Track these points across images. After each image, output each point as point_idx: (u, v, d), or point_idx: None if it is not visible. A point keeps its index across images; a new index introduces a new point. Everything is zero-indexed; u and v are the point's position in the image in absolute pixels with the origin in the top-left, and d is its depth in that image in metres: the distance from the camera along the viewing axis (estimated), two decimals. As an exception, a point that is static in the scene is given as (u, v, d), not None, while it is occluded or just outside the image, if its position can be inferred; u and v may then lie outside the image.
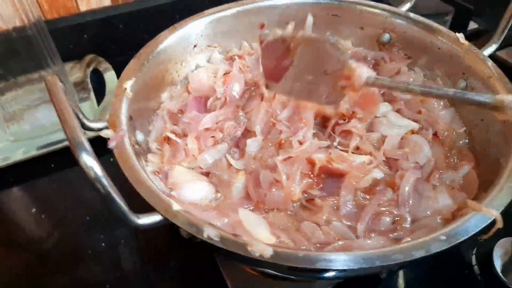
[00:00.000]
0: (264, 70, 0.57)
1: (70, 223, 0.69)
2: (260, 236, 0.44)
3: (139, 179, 0.42)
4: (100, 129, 0.47)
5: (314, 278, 0.51)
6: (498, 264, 0.61)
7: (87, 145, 0.34)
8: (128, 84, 0.53)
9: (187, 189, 0.51)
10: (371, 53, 0.69)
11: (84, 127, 0.47)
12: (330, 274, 0.38)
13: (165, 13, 1.00)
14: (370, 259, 0.36)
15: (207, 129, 0.58)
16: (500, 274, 0.60)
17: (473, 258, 0.63)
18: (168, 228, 0.63)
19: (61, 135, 0.82)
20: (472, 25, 1.09)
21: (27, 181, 0.76)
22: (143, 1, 0.98)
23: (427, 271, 0.62)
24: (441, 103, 0.61)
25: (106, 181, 0.34)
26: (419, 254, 0.35)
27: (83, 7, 0.94)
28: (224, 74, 0.65)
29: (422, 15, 0.88)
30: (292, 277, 0.50)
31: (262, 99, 0.61)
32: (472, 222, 0.39)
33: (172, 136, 0.56)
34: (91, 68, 0.95)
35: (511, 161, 0.44)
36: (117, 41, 1.00)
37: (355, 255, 0.36)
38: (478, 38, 1.08)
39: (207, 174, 0.55)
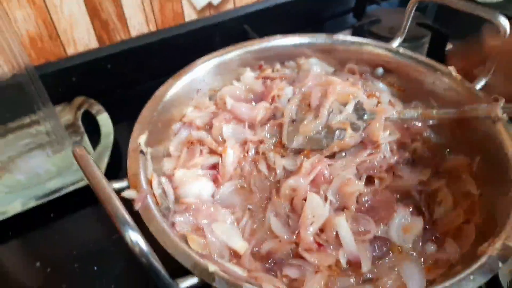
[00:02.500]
0: None
1: (78, 275, 0.67)
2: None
3: (171, 243, 0.42)
4: (120, 189, 0.47)
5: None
6: (504, 282, 0.63)
7: (131, 221, 0.34)
8: (142, 140, 0.53)
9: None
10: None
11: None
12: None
13: (152, 50, 1.00)
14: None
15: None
16: (507, 291, 0.62)
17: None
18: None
19: (57, 183, 0.80)
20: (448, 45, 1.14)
21: (26, 233, 0.74)
22: (129, 41, 0.99)
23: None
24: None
25: (151, 256, 0.34)
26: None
27: (70, 51, 0.94)
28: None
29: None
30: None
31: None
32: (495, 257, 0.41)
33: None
34: (82, 110, 0.93)
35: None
36: (106, 81, 1.00)
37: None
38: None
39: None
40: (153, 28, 1.01)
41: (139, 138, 0.53)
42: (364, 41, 0.72)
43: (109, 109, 0.92)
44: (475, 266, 0.40)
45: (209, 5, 1.05)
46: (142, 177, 0.49)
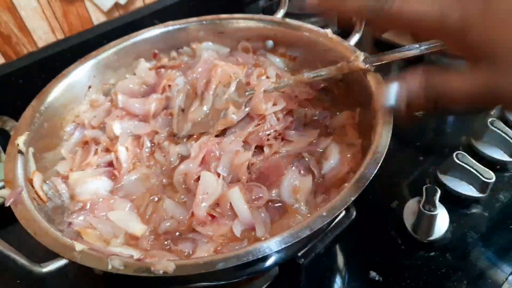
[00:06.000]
0: None
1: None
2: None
3: (41, 231, 0.43)
4: (-5, 192, 0.47)
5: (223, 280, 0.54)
6: (408, 224, 0.67)
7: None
8: (20, 140, 0.53)
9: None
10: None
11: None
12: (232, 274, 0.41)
13: (64, 59, 0.99)
14: (260, 250, 0.39)
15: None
16: (411, 232, 0.66)
17: (389, 224, 0.69)
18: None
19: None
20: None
21: None
22: (38, 52, 0.98)
23: (353, 246, 0.68)
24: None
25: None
26: (304, 233, 0.40)
27: (-26, 70, 0.92)
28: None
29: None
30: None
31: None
32: (345, 196, 0.44)
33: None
34: (-4, 130, 0.92)
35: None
36: (20, 97, 0.98)
37: (250, 249, 0.40)
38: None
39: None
40: (60, 36, 1.00)
41: (17, 139, 0.54)
42: (248, 17, 0.74)
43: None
44: (328, 205, 0.43)
45: (116, 5, 1.05)
46: (18, 176, 0.50)
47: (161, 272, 0.39)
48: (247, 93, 0.64)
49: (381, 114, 0.52)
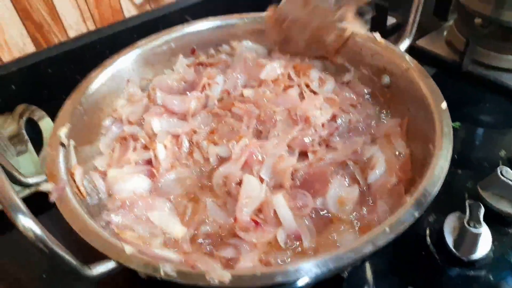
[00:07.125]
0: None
1: (26, 284, 0.65)
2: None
3: (87, 229, 0.41)
4: (38, 184, 0.46)
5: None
6: (449, 240, 0.64)
7: (21, 205, 0.32)
8: (62, 132, 0.52)
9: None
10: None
11: (21, 184, 0.46)
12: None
13: (93, 50, 0.98)
14: (322, 263, 0.37)
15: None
16: (453, 249, 0.63)
17: (428, 239, 0.67)
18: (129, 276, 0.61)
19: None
20: (391, 20, 1.16)
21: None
22: (68, 42, 0.96)
23: (391, 260, 0.65)
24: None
25: (48, 240, 0.33)
26: (367, 249, 0.37)
27: (5, 58, 0.91)
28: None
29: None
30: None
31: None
32: (410, 212, 0.41)
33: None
34: (24, 119, 0.91)
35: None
36: (48, 86, 0.97)
37: (311, 262, 0.37)
38: (398, 31, 1.15)
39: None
40: (91, 26, 0.99)
41: (59, 131, 0.52)
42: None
43: (55, 115, 0.89)
44: (392, 219, 0.40)
45: (148, -1, 1.03)
46: (61, 169, 0.48)
47: (216, 282, 0.36)
48: None
49: (440, 124, 0.50)
